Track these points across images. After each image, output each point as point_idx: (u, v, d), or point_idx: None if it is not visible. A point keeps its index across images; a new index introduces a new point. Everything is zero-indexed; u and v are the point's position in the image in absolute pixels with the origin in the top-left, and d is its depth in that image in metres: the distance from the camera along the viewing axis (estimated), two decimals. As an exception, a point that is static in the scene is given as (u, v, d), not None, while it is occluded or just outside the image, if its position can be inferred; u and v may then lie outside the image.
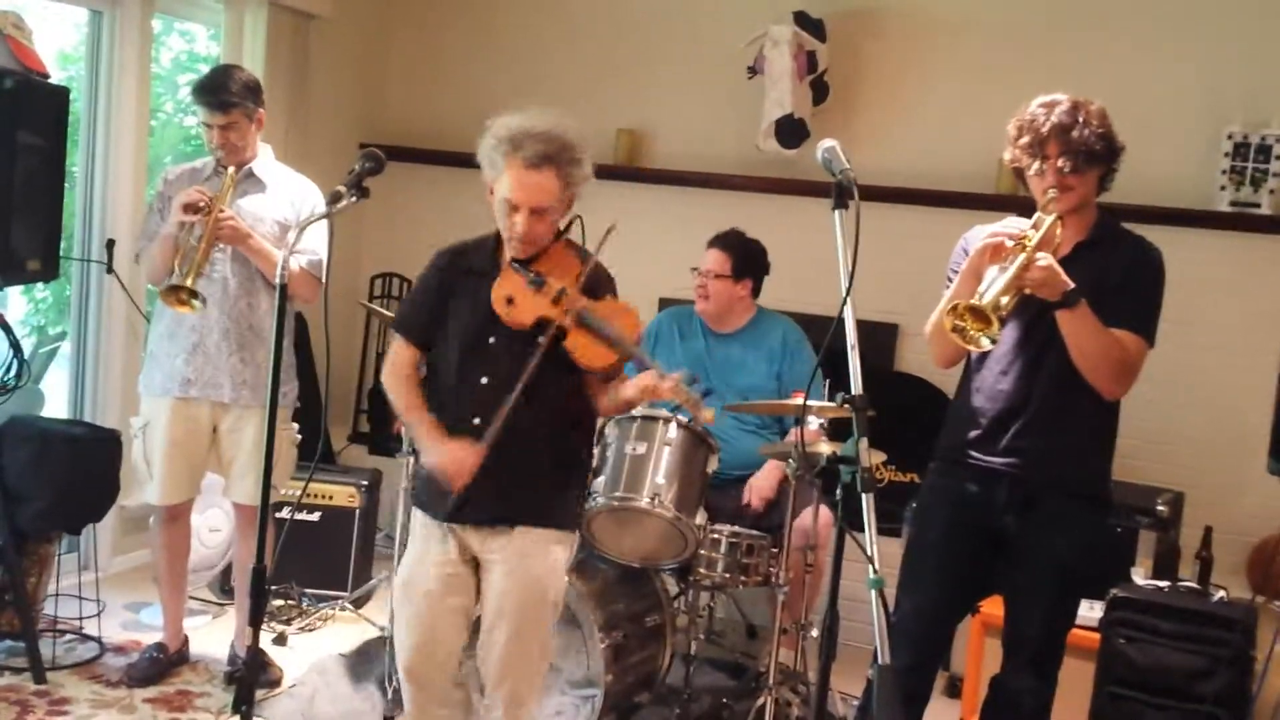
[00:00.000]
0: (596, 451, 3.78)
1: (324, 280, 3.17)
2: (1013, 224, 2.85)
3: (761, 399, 4.12)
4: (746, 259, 4.26)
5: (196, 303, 3.54)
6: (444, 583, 2.86)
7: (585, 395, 2.87)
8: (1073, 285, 2.73)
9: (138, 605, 4.53)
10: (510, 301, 2.77)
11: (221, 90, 3.67)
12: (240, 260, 3.75)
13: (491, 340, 2.80)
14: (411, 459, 4.14)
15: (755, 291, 4.32)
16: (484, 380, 2.79)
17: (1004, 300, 2.68)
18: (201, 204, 3.57)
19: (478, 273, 2.85)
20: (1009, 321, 2.82)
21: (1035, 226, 2.78)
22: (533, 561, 2.83)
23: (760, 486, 4.09)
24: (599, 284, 2.86)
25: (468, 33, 5.72)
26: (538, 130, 2.73)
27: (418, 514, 2.94)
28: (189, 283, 3.50)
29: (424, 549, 2.90)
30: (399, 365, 2.92)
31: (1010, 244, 2.77)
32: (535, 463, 2.82)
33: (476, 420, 2.76)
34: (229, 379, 3.78)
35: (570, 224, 2.91)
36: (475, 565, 2.89)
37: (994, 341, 2.68)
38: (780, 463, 4.04)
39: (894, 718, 2.33)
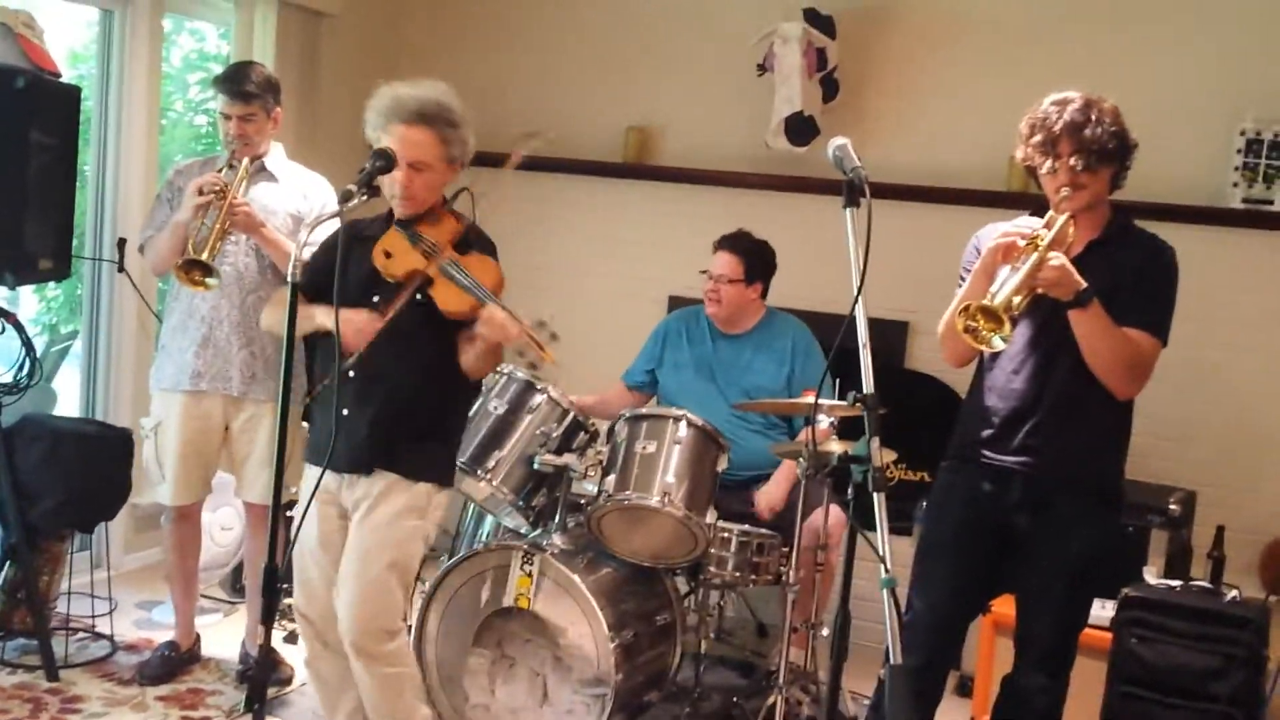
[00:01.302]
0: (606, 450, 3.78)
1: (336, 278, 3.16)
2: (1025, 223, 2.84)
3: (768, 399, 4.11)
4: (758, 262, 4.25)
5: (212, 280, 3.53)
6: (322, 534, 3.10)
7: (445, 353, 3.02)
8: (1085, 285, 2.72)
9: (150, 604, 4.54)
10: (388, 255, 2.99)
11: (244, 81, 3.71)
12: (252, 253, 3.76)
13: (375, 299, 3.01)
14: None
15: (764, 293, 4.31)
16: None
17: (1016, 300, 2.67)
18: (217, 187, 3.58)
19: (370, 238, 3.05)
20: (1021, 321, 2.81)
21: (1048, 225, 2.77)
22: (375, 516, 3.03)
23: (771, 496, 4.07)
24: (471, 243, 3.08)
25: (478, 30, 5.71)
26: (414, 94, 2.97)
27: (307, 470, 3.15)
28: (204, 257, 3.51)
29: (310, 505, 3.05)
30: (276, 297, 3.22)
31: (1022, 243, 2.76)
32: (397, 413, 3.02)
33: (350, 374, 2.98)
34: (238, 371, 3.78)
35: (457, 194, 3.12)
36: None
37: (1006, 341, 2.67)
38: (792, 464, 4.04)
39: (906, 717, 2.33)
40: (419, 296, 2.98)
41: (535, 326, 2.88)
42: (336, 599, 3.07)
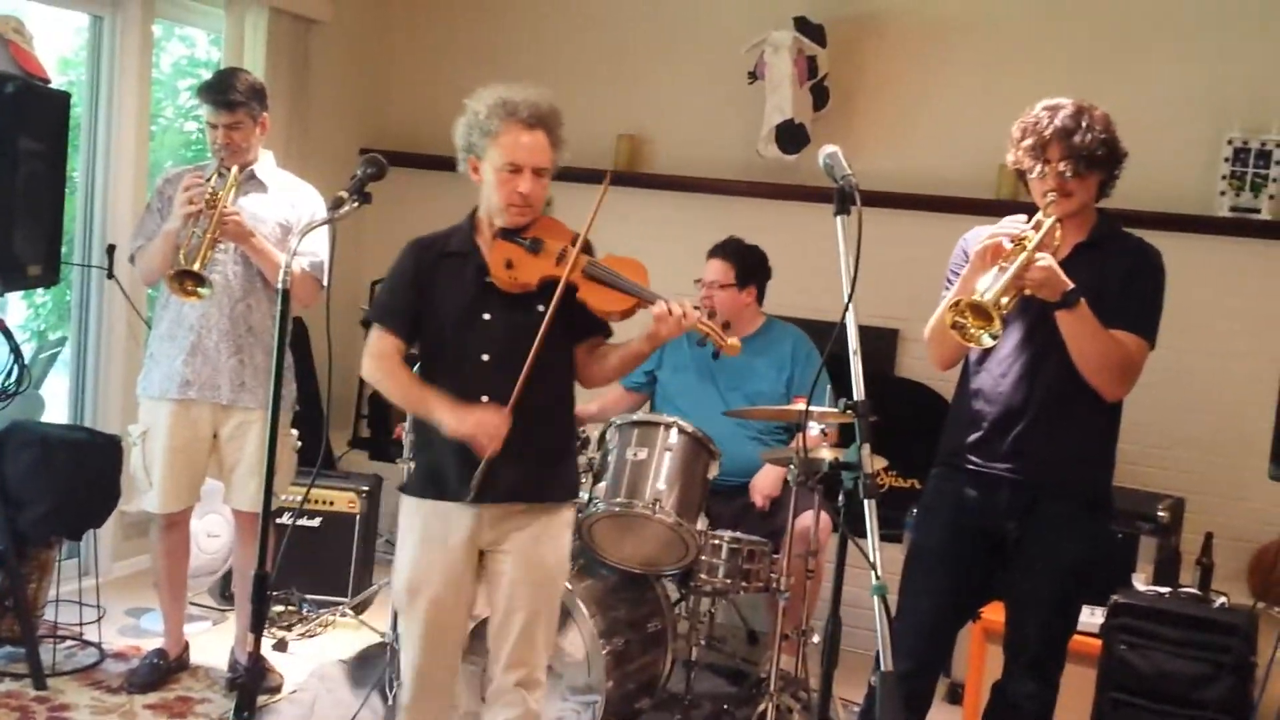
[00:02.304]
0: (597, 456, 3.78)
1: (325, 284, 3.16)
2: (1012, 224, 2.85)
3: (769, 405, 4.12)
4: (749, 266, 4.27)
5: (204, 290, 3.52)
6: (452, 579, 2.84)
7: (572, 368, 2.88)
8: (1072, 286, 2.74)
9: (138, 611, 4.53)
10: (510, 265, 2.75)
11: (228, 89, 3.69)
12: (241, 261, 3.75)
13: (486, 316, 2.79)
14: (411, 464, 4.15)
15: (760, 298, 4.32)
16: (484, 357, 2.78)
17: (1004, 300, 2.68)
18: (205, 194, 3.57)
19: (458, 255, 2.84)
20: (1009, 324, 2.82)
21: (1035, 227, 2.79)
22: (545, 549, 2.85)
23: (763, 485, 4.09)
24: (591, 246, 2.87)
25: (468, 38, 5.72)
26: (526, 96, 2.77)
27: (419, 505, 2.87)
28: (195, 267, 3.50)
29: (427, 544, 2.85)
30: (384, 355, 2.83)
31: (1010, 244, 2.77)
32: (545, 435, 2.82)
33: (485, 398, 2.73)
34: (227, 380, 3.78)
35: (549, 202, 2.94)
36: (478, 554, 2.88)
37: (995, 339, 2.68)
38: (778, 468, 4.05)
39: (896, 724, 2.33)
40: (543, 305, 2.74)
41: (708, 314, 2.75)
42: (495, 643, 2.89)
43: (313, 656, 4.25)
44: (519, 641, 2.85)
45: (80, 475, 3.93)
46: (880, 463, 3.82)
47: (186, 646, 4.09)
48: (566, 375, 2.89)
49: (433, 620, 2.86)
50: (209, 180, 3.70)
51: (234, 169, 3.70)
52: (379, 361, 2.84)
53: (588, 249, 2.83)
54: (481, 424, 2.69)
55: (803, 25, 4.88)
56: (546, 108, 2.77)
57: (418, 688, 2.92)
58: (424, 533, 2.86)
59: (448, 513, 2.83)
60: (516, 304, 2.77)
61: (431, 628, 2.87)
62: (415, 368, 2.90)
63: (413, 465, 2.98)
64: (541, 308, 2.74)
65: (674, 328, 2.73)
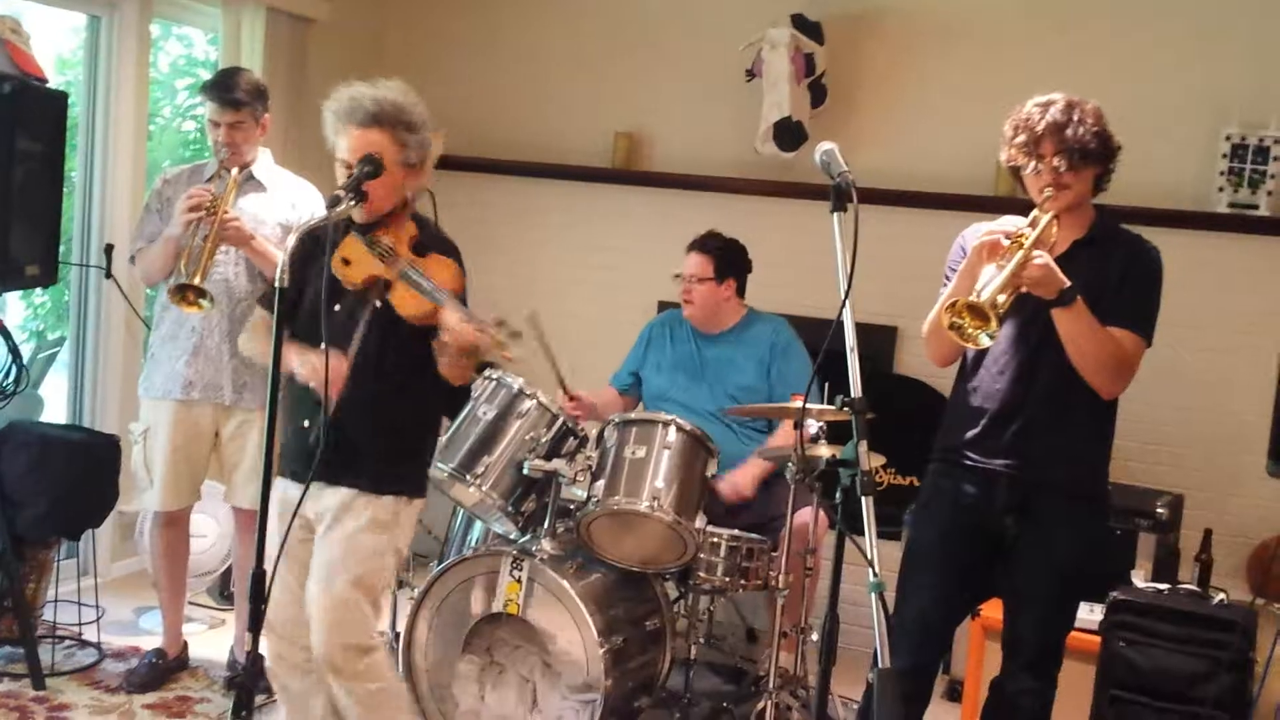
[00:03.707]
0: (595, 455, 3.77)
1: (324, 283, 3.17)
2: (1009, 222, 2.85)
3: (753, 399, 4.12)
4: (727, 260, 4.27)
5: (205, 302, 3.53)
6: (288, 551, 2.96)
7: (413, 362, 2.96)
8: (1069, 283, 2.74)
9: (137, 611, 4.52)
10: (346, 263, 2.93)
11: (232, 88, 3.70)
12: (242, 263, 3.75)
13: (336, 308, 2.95)
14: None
15: (740, 291, 4.32)
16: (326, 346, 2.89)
17: (1001, 298, 2.68)
18: (206, 203, 3.58)
19: (330, 245, 2.97)
20: (1006, 321, 2.82)
21: (1032, 225, 2.79)
22: (339, 529, 2.98)
23: (738, 481, 4.05)
24: (429, 246, 3.01)
25: (465, 37, 5.71)
26: (370, 95, 2.90)
27: (277, 483, 3.04)
28: (197, 281, 3.51)
29: (277, 519, 2.96)
30: (253, 325, 3.14)
31: (1007, 242, 2.77)
32: (362, 425, 2.95)
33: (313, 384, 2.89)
34: (229, 381, 3.78)
35: (415, 198, 3.08)
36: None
37: (992, 338, 2.68)
38: (762, 462, 4.03)
39: (894, 721, 2.33)
40: (378, 303, 2.94)
41: (495, 326, 2.83)
42: (308, 614, 3.00)
43: (312, 655, 4.24)
44: (315, 612, 2.98)
45: (79, 475, 3.93)
46: (878, 460, 3.82)
47: (185, 646, 4.09)
48: (405, 369, 2.98)
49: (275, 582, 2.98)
50: (208, 181, 3.71)
51: (234, 172, 3.70)
52: (248, 330, 3.17)
53: (424, 249, 2.99)
54: (318, 369, 2.83)
55: (800, 22, 4.88)
56: (388, 106, 2.91)
57: (270, 640, 3.09)
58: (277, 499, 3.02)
59: (289, 485, 3.04)
60: (359, 300, 2.96)
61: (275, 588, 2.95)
62: None
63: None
64: (378, 304, 2.93)
65: (453, 336, 2.85)
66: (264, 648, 4.11)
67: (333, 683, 3.00)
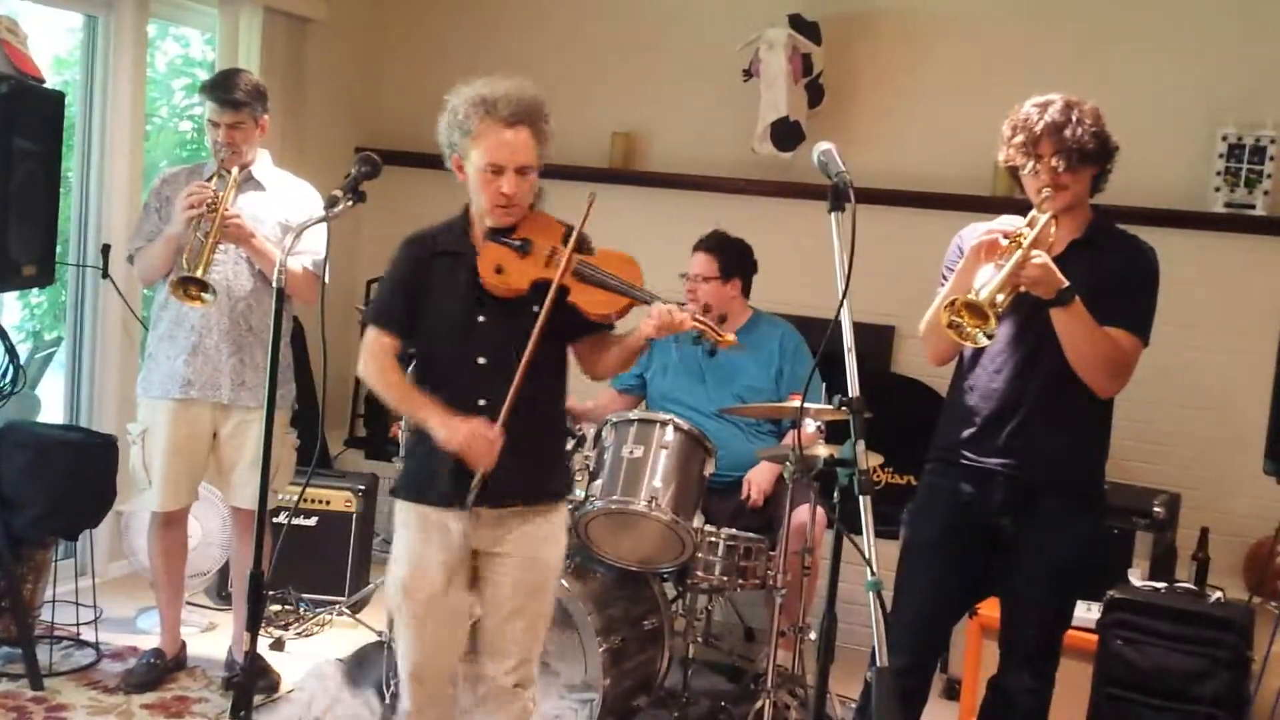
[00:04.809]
0: (593, 454, 3.78)
1: (323, 282, 3.17)
2: (1008, 221, 2.86)
3: (760, 400, 4.12)
4: (733, 259, 4.27)
5: (207, 295, 3.53)
6: (448, 581, 2.80)
7: (565, 364, 2.84)
8: (1068, 283, 2.74)
9: (135, 611, 4.52)
10: (500, 270, 2.69)
11: (232, 88, 3.70)
12: (242, 261, 3.76)
13: (481, 319, 2.74)
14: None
15: (745, 291, 4.32)
16: (480, 361, 2.74)
17: (999, 297, 2.69)
18: (208, 199, 3.58)
19: (452, 254, 2.78)
20: (1003, 321, 2.83)
21: (1030, 224, 2.79)
22: (543, 551, 2.83)
23: (759, 480, 4.08)
24: (585, 241, 2.77)
25: (463, 36, 5.72)
26: (506, 91, 2.69)
27: (411, 508, 2.83)
28: (200, 274, 3.50)
29: (423, 546, 2.80)
30: (380, 355, 2.78)
31: (1005, 242, 2.78)
32: (539, 436, 2.80)
33: (482, 402, 2.69)
34: (228, 379, 3.78)
35: (540, 194, 2.86)
36: (473, 555, 2.84)
37: (990, 337, 2.69)
38: (774, 464, 4.05)
39: (892, 719, 2.33)
40: (535, 308, 2.68)
41: (702, 310, 2.71)
42: (494, 644, 2.85)
43: (309, 656, 4.24)
44: (520, 643, 2.84)
45: (76, 475, 3.92)
46: (876, 459, 3.83)
47: (183, 646, 4.08)
48: (559, 374, 2.86)
49: (427, 622, 2.83)
50: (209, 181, 3.71)
51: (234, 171, 3.70)
52: (375, 361, 2.79)
53: (582, 246, 2.77)
54: (472, 439, 2.65)
55: (797, 23, 4.89)
56: (528, 101, 2.70)
57: (417, 694, 2.88)
58: (418, 534, 2.82)
59: (442, 514, 2.79)
60: (510, 307, 2.72)
61: (426, 630, 2.83)
62: (411, 365, 2.88)
63: (402, 466, 2.96)
64: (536, 309, 2.69)
65: (669, 326, 2.70)
66: (279, 646, 4.15)
67: (512, 698, 2.87)
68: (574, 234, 2.74)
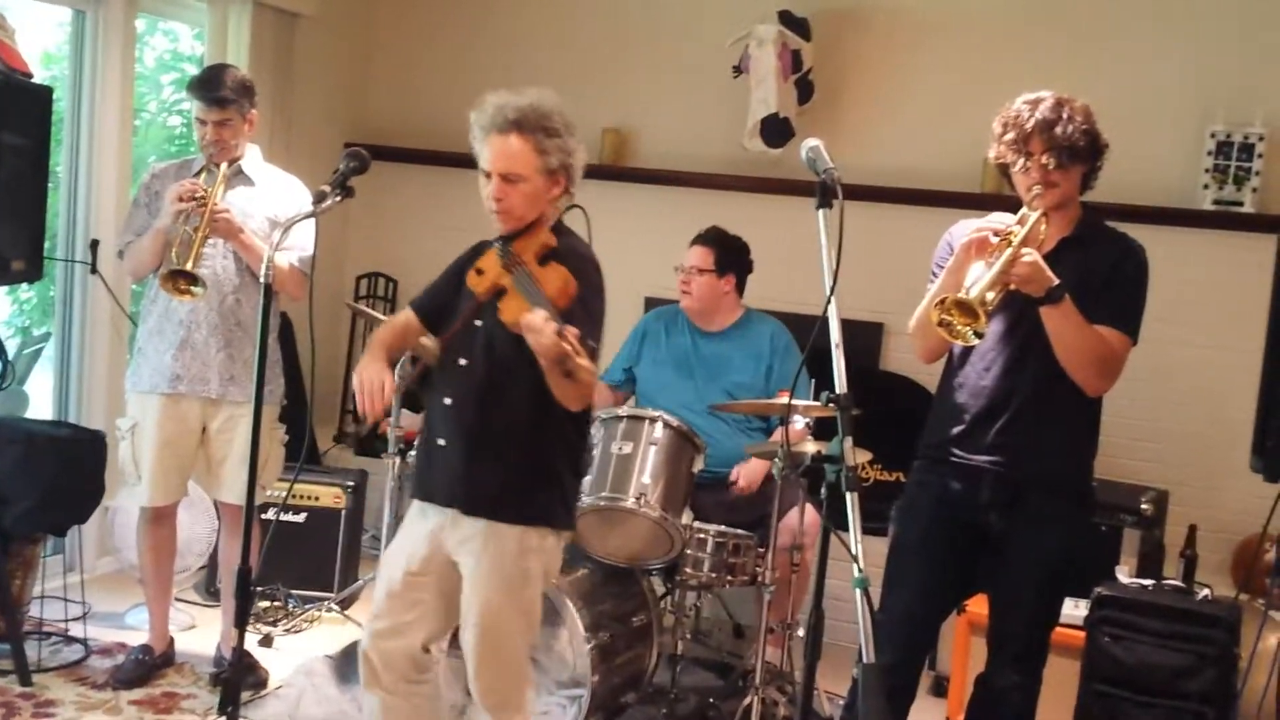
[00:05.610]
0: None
1: (310, 278, 3.18)
2: (998, 219, 2.86)
3: (749, 397, 4.13)
4: (729, 254, 4.27)
5: (197, 289, 3.52)
6: (406, 564, 2.84)
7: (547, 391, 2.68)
8: (1058, 281, 2.75)
9: (123, 607, 4.51)
10: (480, 272, 2.76)
11: (219, 86, 3.69)
12: (230, 256, 3.75)
13: (478, 322, 2.78)
14: (397, 459, 4.15)
15: (739, 288, 4.33)
16: (462, 362, 2.78)
17: (990, 295, 2.69)
18: (197, 194, 3.57)
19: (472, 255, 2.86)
20: (993, 318, 2.83)
21: (1020, 222, 2.80)
22: (500, 568, 2.77)
23: (747, 470, 4.09)
24: (557, 257, 2.71)
25: (453, 32, 5.71)
26: (508, 100, 2.76)
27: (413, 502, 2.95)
28: (188, 266, 3.50)
29: (403, 530, 2.91)
30: (393, 319, 2.97)
31: (995, 239, 2.78)
32: (516, 448, 2.77)
33: (448, 400, 2.79)
34: (216, 374, 3.77)
35: (559, 210, 2.86)
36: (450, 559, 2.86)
37: (980, 336, 2.69)
38: (764, 461, 4.05)
39: (879, 716, 2.33)
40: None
41: (575, 336, 2.51)
42: (466, 651, 2.84)
43: (298, 652, 4.24)
44: (477, 662, 2.82)
45: (65, 471, 3.91)
46: (864, 456, 3.83)
47: (172, 642, 4.08)
48: (531, 396, 2.70)
49: (384, 600, 2.87)
50: (196, 176, 3.70)
51: (223, 166, 3.70)
52: (385, 324, 2.95)
53: (573, 261, 2.71)
54: (361, 379, 2.72)
55: (787, 19, 4.88)
56: (524, 109, 2.73)
57: (363, 667, 2.89)
58: (407, 521, 2.93)
59: (423, 505, 2.88)
60: (489, 311, 2.75)
61: (381, 607, 2.87)
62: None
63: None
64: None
65: (532, 338, 2.52)
66: (267, 643, 4.14)
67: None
68: (544, 249, 2.74)
